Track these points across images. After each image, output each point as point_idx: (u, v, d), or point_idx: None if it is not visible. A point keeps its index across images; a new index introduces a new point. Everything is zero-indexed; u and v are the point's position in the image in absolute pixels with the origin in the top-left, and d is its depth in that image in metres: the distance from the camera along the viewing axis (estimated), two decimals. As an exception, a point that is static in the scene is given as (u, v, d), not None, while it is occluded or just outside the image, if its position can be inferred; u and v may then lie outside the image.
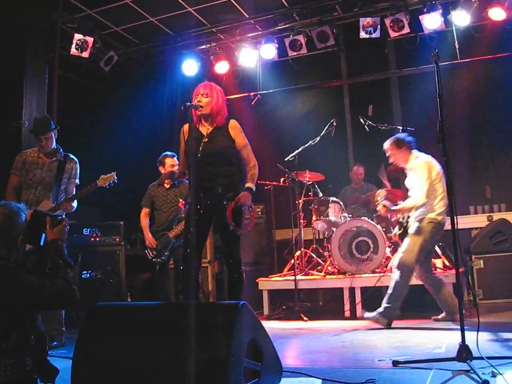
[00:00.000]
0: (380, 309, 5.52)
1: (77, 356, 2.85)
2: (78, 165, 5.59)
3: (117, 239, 7.41)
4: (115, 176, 5.38)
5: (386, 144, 5.84)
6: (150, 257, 6.67)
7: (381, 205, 5.79)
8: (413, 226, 5.59)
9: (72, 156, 5.58)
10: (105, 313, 3.10)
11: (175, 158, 6.54)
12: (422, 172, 5.54)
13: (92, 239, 7.37)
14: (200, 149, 4.46)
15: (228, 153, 4.54)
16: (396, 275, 5.54)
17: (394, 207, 5.71)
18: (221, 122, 4.59)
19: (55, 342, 5.14)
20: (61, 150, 5.55)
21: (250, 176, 4.61)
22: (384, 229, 7.15)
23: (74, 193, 5.48)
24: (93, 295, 6.94)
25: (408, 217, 5.72)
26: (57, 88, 7.06)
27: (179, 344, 2.70)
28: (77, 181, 5.56)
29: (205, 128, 4.60)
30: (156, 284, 7.21)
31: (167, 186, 6.72)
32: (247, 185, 4.55)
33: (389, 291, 5.54)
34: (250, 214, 4.56)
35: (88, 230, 7.39)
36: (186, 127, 4.64)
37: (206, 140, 4.52)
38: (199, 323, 2.68)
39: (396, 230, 5.91)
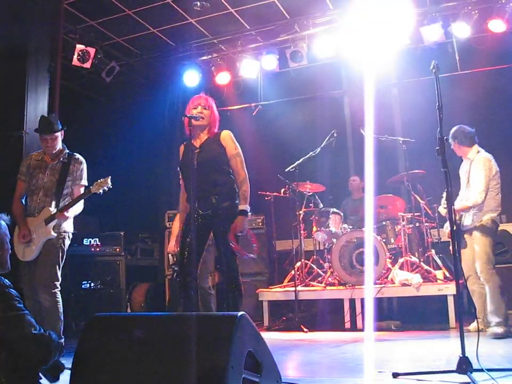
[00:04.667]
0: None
1: (76, 367, 2.84)
2: (83, 165, 5.31)
3: (117, 249, 7.42)
4: (109, 181, 5.08)
5: (452, 131, 5.84)
6: (170, 263, 6.71)
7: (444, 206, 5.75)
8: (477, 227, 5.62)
9: (77, 156, 5.32)
10: (104, 324, 3.09)
11: None
12: (482, 169, 5.58)
13: (92, 249, 7.38)
14: (194, 159, 4.45)
15: (220, 161, 4.50)
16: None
17: (457, 207, 5.65)
18: (214, 133, 4.59)
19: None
20: (66, 151, 5.32)
21: (241, 194, 4.47)
22: (384, 240, 7.14)
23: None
24: (93, 306, 6.94)
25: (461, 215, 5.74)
26: (58, 98, 7.08)
27: (178, 355, 2.70)
28: (84, 181, 5.28)
29: (198, 141, 4.60)
30: (158, 296, 7.24)
31: None
32: (240, 207, 4.43)
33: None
34: (250, 238, 4.52)
35: (89, 240, 7.40)
36: (182, 146, 4.71)
37: (198, 150, 4.52)
38: (197, 334, 2.68)
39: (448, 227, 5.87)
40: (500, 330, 5.27)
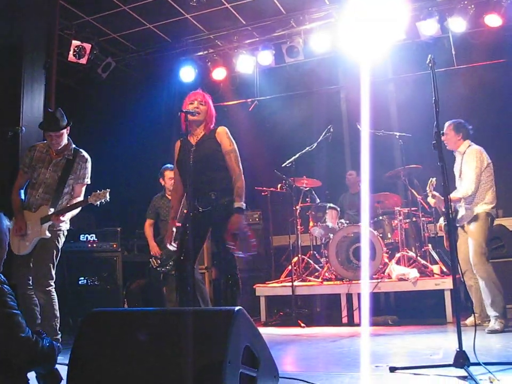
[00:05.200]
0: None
1: (73, 362, 2.84)
2: (88, 164, 5.25)
3: (114, 245, 7.39)
4: (107, 195, 5.01)
5: (446, 124, 5.80)
6: (154, 266, 6.71)
7: (430, 194, 5.80)
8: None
9: (83, 153, 5.24)
10: (101, 319, 3.09)
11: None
12: (473, 161, 5.58)
13: (89, 245, 7.35)
14: (190, 157, 4.43)
15: (216, 158, 4.47)
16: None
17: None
18: (209, 129, 4.57)
19: None
20: (72, 146, 5.24)
21: (236, 191, 4.40)
22: (381, 235, 7.15)
23: (83, 194, 5.22)
24: (90, 302, 6.92)
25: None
26: (54, 95, 7.06)
27: (175, 350, 2.70)
28: (87, 180, 5.24)
29: (194, 138, 4.58)
30: (155, 292, 7.23)
31: (170, 197, 6.74)
32: (235, 205, 4.36)
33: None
34: (248, 234, 4.48)
35: (85, 236, 7.36)
36: (178, 142, 4.68)
37: (194, 148, 4.50)
38: (195, 329, 2.68)
39: (441, 221, 5.92)
40: (498, 326, 5.26)
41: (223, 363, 2.54)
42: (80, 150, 5.28)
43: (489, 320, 5.54)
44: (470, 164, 5.60)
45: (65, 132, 5.15)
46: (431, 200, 5.90)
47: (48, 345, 2.91)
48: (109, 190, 5.04)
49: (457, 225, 5.72)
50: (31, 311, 4.91)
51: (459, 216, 5.68)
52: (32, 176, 5.15)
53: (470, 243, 5.58)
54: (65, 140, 5.19)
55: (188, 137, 4.59)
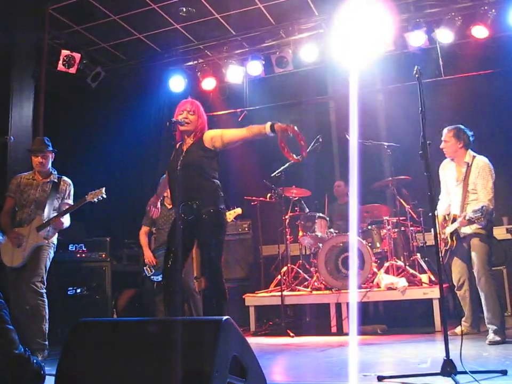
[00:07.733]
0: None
1: (60, 373, 2.83)
2: (71, 187, 5.79)
3: (103, 255, 7.37)
4: (103, 191, 5.47)
5: (447, 129, 5.69)
6: (148, 275, 6.68)
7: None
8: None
9: (66, 178, 5.77)
10: (89, 330, 3.08)
11: None
12: (489, 175, 5.42)
13: (78, 255, 7.32)
14: (179, 163, 4.42)
15: (202, 164, 4.44)
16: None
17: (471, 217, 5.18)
18: (199, 137, 4.57)
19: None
20: (56, 173, 5.73)
21: (254, 127, 4.65)
22: (369, 244, 7.17)
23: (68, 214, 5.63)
24: (78, 312, 6.89)
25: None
26: (43, 104, 7.06)
27: (163, 360, 2.69)
28: (70, 201, 5.71)
29: (185, 146, 4.58)
30: (145, 302, 7.20)
31: (169, 206, 6.71)
32: (267, 124, 4.66)
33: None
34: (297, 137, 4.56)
35: (74, 246, 7.34)
36: (177, 146, 4.69)
37: (184, 154, 4.50)
38: (182, 339, 2.68)
39: (448, 230, 5.65)
40: (499, 337, 5.15)
41: (210, 373, 2.54)
42: (63, 176, 5.79)
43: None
44: (488, 178, 5.41)
45: (50, 156, 5.66)
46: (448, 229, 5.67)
47: (37, 363, 2.89)
48: (104, 187, 5.51)
49: (461, 237, 5.54)
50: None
51: (464, 229, 5.48)
52: (21, 199, 5.57)
53: (475, 254, 5.41)
54: (49, 165, 5.68)
55: (182, 145, 4.60)
